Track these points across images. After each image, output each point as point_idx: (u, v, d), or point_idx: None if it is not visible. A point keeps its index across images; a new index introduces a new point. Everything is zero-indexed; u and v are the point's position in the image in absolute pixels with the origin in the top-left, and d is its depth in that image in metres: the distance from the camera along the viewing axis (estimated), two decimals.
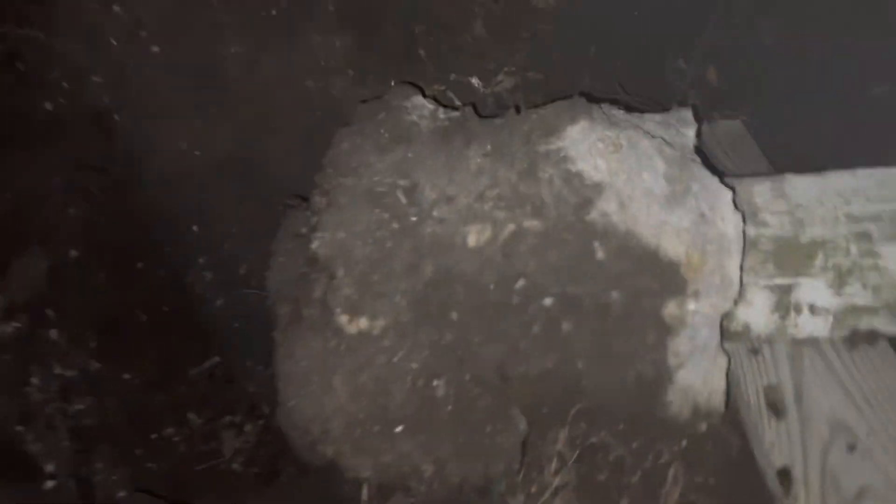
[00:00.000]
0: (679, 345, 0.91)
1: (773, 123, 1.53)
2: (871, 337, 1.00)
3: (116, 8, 1.28)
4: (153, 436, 1.30)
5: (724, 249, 0.84)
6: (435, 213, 0.89)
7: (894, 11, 1.24)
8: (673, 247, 0.85)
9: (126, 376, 1.31)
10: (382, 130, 0.97)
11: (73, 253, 1.36)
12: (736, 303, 0.90)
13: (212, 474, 1.33)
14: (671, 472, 1.06)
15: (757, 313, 1.02)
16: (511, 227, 0.87)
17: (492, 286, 0.90)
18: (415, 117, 1.00)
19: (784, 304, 1.01)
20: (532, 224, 0.86)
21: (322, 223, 0.89)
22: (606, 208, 0.85)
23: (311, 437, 0.95)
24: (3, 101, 1.27)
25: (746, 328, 1.04)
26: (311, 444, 0.96)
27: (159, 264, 1.47)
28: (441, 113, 1.02)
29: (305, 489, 1.40)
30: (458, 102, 1.19)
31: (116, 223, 1.38)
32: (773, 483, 0.93)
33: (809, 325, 1.03)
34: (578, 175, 0.87)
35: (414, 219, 0.88)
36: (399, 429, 0.91)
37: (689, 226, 0.86)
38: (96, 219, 1.36)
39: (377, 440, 0.92)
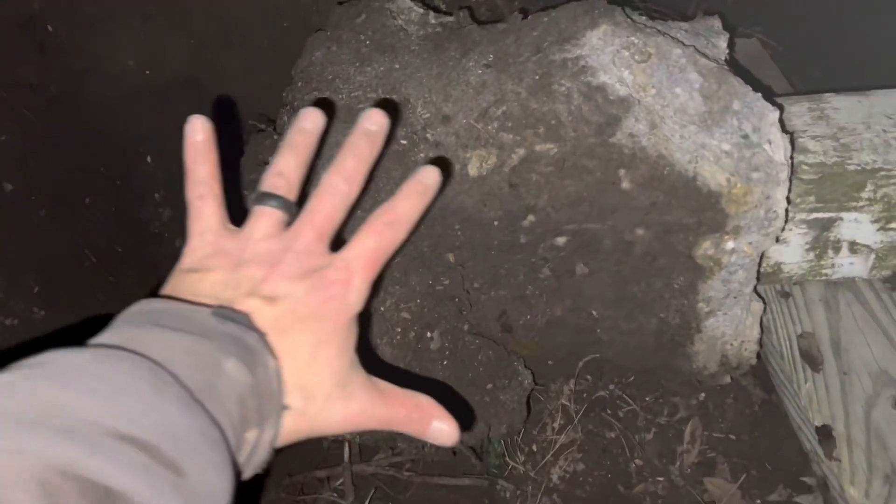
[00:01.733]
0: (711, 290, 0.78)
1: (791, 42, 1.40)
2: None
3: None
4: None
5: (771, 178, 0.71)
6: (428, 136, 0.74)
7: None
8: (713, 174, 0.71)
9: (73, 324, 1.17)
10: (363, 37, 0.81)
11: (8, 186, 1.19)
12: (777, 240, 0.77)
13: None
14: (688, 429, 0.95)
15: (791, 252, 0.91)
16: (520, 151, 0.72)
17: (496, 223, 0.76)
18: (401, 22, 0.84)
19: (822, 241, 0.89)
20: (545, 148, 0.72)
21: None
22: (634, 129, 0.71)
23: None
24: None
25: (777, 268, 0.92)
26: None
27: (109, 199, 1.30)
28: (432, 18, 0.86)
29: (286, 449, 1.26)
30: (444, 7, 1.03)
31: (56, 151, 1.21)
32: (811, 442, 0.82)
33: (847, 265, 0.92)
34: (601, 89, 0.72)
35: (404, 142, 0.73)
36: None
37: (730, 149, 0.72)
38: (32, 146, 1.19)
39: None
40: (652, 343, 0.83)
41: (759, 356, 0.84)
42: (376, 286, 0.54)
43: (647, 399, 0.98)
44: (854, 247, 0.90)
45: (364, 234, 0.48)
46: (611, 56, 0.74)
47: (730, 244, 0.75)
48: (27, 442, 0.30)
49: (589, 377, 1.00)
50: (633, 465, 0.94)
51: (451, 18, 0.87)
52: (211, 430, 0.36)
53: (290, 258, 0.46)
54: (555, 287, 0.81)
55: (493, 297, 0.82)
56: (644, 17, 0.84)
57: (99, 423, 0.32)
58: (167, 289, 0.47)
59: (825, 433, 0.80)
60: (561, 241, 0.77)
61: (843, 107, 0.92)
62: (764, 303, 0.82)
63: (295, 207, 0.49)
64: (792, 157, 0.75)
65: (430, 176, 0.50)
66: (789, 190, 0.74)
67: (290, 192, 0.50)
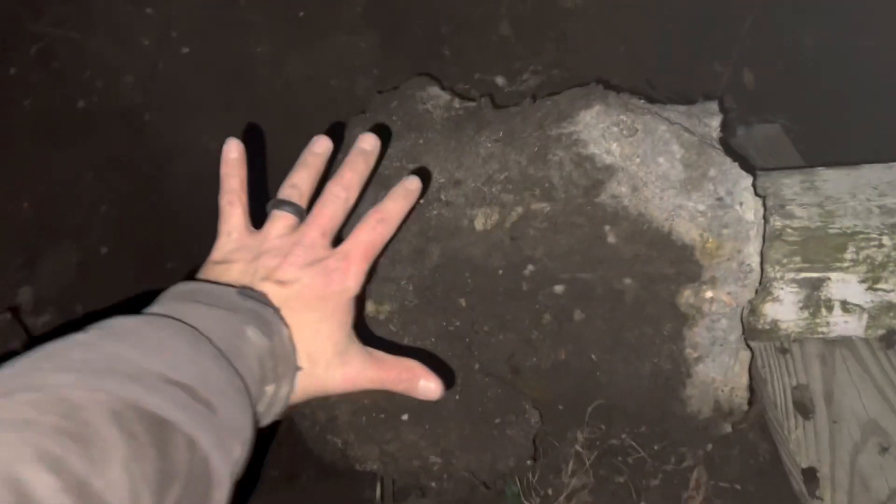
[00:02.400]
0: (697, 336, 0.87)
1: (813, 128, 1.48)
2: None
3: (149, 10, 1.32)
4: None
5: (741, 234, 0.81)
6: (442, 197, 0.87)
7: None
8: (687, 231, 0.81)
9: (124, 300, 1.33)
10: (395, 118, 0.97)
11: (104, 249, 1.39)
12: (757, 293, 0.86)
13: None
14: (694, 476, 1.01)
15: (786, 310, 0.98)
16: (519, 209, 0.85)
17: (500, 272, 0.87)
18: (429, 106, 0.99)
19: (814, 300, 0.96)
20: (540, 206, 0.84)
21: None
22: (617, 191, 0.83)
23: (319, 424, 0.93)
24: (39, 100, 1.31)
25: (775, 325, 0.99)
26: (320, 433, 0.95)
27: (188, 263, 1.48)
28: (456, 103, 1.01)
29: (325, 492, 1.37)
30: (476, 94, 1.18)
31: (146, 220, 1.40)
32: (797, 483, 0.87)
33: (842, 324, 0.98)
34: (590, 158, 0.84)
35: (421, 202, 0.87)
36: (405, 417, 0.89)
37: (704, 209, 0.82)
38: (126, 216, 1.39)
39: (382, 428, 0.90)
40: (648, 386, 0.91)
41: (750, 403, 0.91)
42: (370, 274, 0.65)
43: (656, 447, 1.04)
44: (846, 306, 0.96)
45: (360, 230, 0.61)
46: (601, 131, 0.87)
47: (709, 293, 0.84)
48: (102, 383, 0.40)
49: (602, 426, 1.08)
50: None
51: (473, 104, 1.02)
52: (236, 380, 0.47)
53: (299, 251, 0.58)
54: (556, 332, 0.91)
55: (501, 340, 0.93)
56: (643, 101, 0.96)
57: (152, 370, 0.43)
58: (200, 273, 0.60)
59: (810, 475, 0.85)
60: (559, 289, 0.88)
61: (832, 178, 1.00)
62: (753, 353, 0.89)
63: (305, 212, 0.63)
64: (765, 218, 0.84)
65: (413, 182, 0.66)
66: (763, 246, 0.83)
67: (302, 200, 0.63)
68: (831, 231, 0.93)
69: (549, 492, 1.05)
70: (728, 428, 0.97)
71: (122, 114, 1.34)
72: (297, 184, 0.64)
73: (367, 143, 0.66)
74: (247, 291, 0.55)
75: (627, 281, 0.86)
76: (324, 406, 0.91)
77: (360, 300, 0.64)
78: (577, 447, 1.06)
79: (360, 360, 0.59)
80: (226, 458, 0.44)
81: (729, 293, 0.84)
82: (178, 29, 1.33)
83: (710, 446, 1.04)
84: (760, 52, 1.48)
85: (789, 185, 1.01)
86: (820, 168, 1.03)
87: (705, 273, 0.82)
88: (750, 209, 0.82)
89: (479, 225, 0.86)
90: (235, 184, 0.65)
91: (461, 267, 0.87)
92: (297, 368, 0.56)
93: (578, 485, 1.04)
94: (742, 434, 1.04)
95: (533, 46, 1.34)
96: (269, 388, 0.52)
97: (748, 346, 0.90)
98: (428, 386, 0.62)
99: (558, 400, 0.98)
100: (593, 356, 0.92)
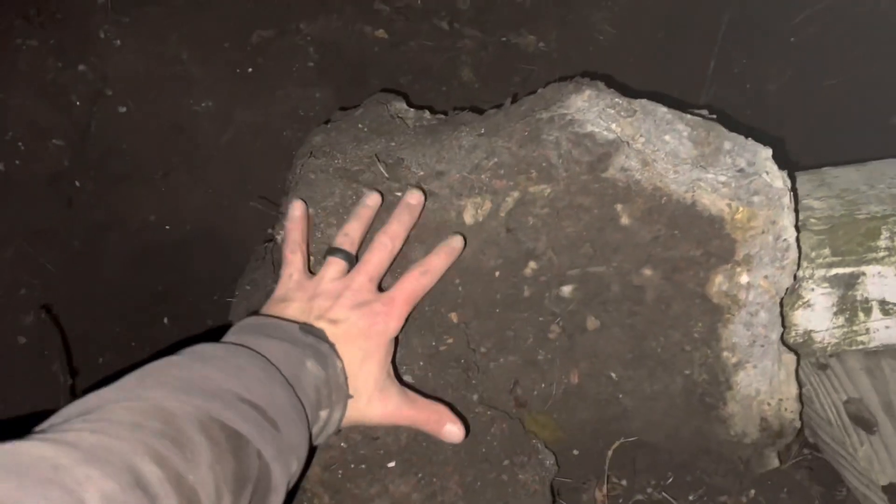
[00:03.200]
0: (734, 334, 0.73)
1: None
2: None
3: (81, 67, 1.21)
4: None
5: (773, 202, 0.69)
6: (423, 187, 0.74)
7: None
8: (712, 201, 0.70)
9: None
10: (360, 125, 0.85)
11: (21, 340, 1.19)
12: (796, 279, 0.73)
13: None
14: None
15: (818, 317, 0.85)
16: (514, 195, 0.72)
17: (497, 273, 0.74)
18: (397, 116, 0.88)
19: (849, 301, 0.85)
20: (539, 189, 0.72)
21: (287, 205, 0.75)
22: (626, 164, 0.71)
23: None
24: None
25: (808, 338, 0.86)
26: None
27: (123, 357, 1.30)
28: (427, 115, 0.91)
29: None
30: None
31: (74, 306, 1.23)
32: (879, 502, 0.71)
33: (883, 330, 0.86)
34: (589, 136, 0.73)
35: (398, 194, 0.74)
36: (391, 464, 0.71)
37: (727, 180, 0.71)
38: (51, 298, 1.21)
39: (363, 482, 0.71)
40: (681, 406, 0.76)
41: (802, 419, 0.76)
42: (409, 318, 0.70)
43: (691, 498, 0.87)
44: (886, 307, 0.85)
45: (405, 279, 0.68)
46: (596, 113, 0.76)
47: (744, 277, 0.71)
48: (191, 398, 0.47)
49: (624, 482, 0.90)
50: None
51: (445, 116, 0.91)
52: (297, 404, 0.55)
53: (349, 294, 0.65)
54: (567, 347, 0.76)
55: (502, 364, 0.77)
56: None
57: (231, 390, 0.50)
58: (265, 308, 0.67)
59: (894, 491, 0.69)
60: (567, 290, 0.74)
61: (842, 175, 0.92)
62: (798, 356, 0.76)
63: (355, 259, 0.69)
64: (795, 190, 0.73)
65: (457, 241, 0.71)
66: (796, 220, 0.72)
67: (352, 248, 0.70)
68: (860, 217, 0.83)
69: None
70: (775, 461, 0.81)
71: (50, 180, 1.20)
72: (349, 233, 0.70)
73: (414, 199, 0.72)
74: (307, 327, 0.63)
75: (647, 272, 0.73)
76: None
77: (397, 342, 0.69)
78: None
79: (397, 398, 0.65)
80: (284, 470, 0.51)
81: (766, 277, 0.72)
82: (113, 87, 1.22)
83: (752, 491, 0.87)
84: (726, 105, 1.44)
85: (799, 183, 0.92)
86: (825, 168, 0.95)
87: (739, 250, 0.70)
88: (777, 178, 0.72)
89: (468, 217, 0.73)
90: (298, 236, 0.71)
91: (449, 272, 0.73)
92: (349, 396, 0.63)
93: None
94: (786, 475, 0.88)
95: (497, 91, 1.27)
96: (324, 413, 0.60)
97: (790, 348, 0.77)
98: (452, 430, 0.66)
99: (572, 441, 0.82)
100: (613, 374, 0.77)
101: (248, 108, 1.25)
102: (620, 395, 0.77)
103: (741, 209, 0.69)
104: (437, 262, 0.69)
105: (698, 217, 0.69)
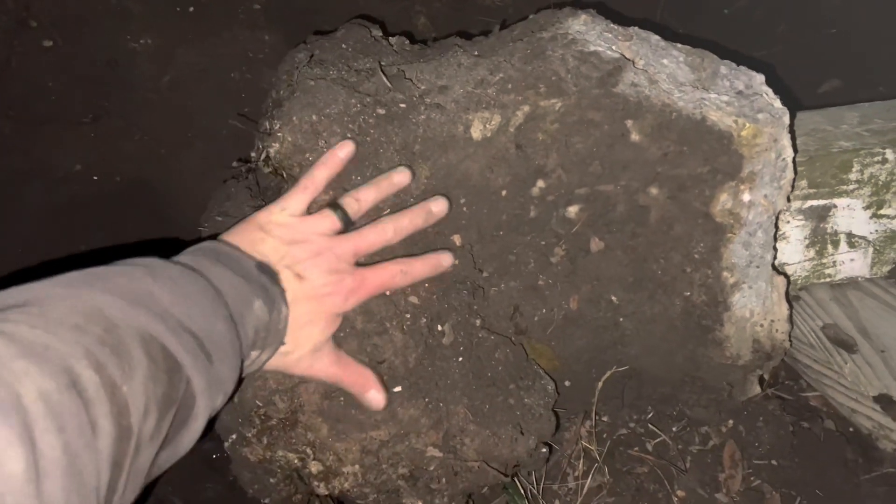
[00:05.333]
0: (734, 254, 0.74)
1: None
2: None
3: None
4: None
5: (777, 119, 0.71)
6: (427, 100, 0.71)
7: None
8: (720, 118, 0.70)
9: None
10: (344, 46, 0.81)
11: None
12: (790, 200, 0.75)
13: None
14: (727, 453, 0.85)
15: (792, 249, 0.88)
16: (525, 108, 0.70)
17: (504, 192, 0.71)
18: (381, 39, 0.84)
19: (820, 234, 0.88)
20: (550, 103, 0.70)
21: (284, 114, 0.69)
22: (636, 80, 0.71)
23: (274, 415, 0.69)
24: None
25: (782, 270, 0.89)
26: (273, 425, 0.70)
27: None
28: (407, 44, 0.87)
29: None
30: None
31: None
32: (872, 418, 0.74)
33: (848, 262, 0.90)
34: (595, 54, 0.72)
35: (403, 105, 0.70)
36: (398, 388, 0.67)
37: (729, 100, 0.72)
38: None
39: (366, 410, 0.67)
40: (680, 329, 0.76)
41: (791, 339, 0.78)
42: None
43: (674, 429, 0.88)
44: (852, 239, 0.89)
45: (383, 268, 0.65)
46: (596, 35, 0.76)
47: (746, 196, 0.72)
48: (137, 312, 0.47)
49: (606, 418, 0.90)
50: (676, 499, 0.81)
51: (425, 45, 0.88)
52: (235, 341, 0.54)
53: (329, 256, 0.63)
54: (569, 271, 0.75)
55: (503, 290, 0.75)
56: None
57: (175, 315, 0.49)
58: (239, 227, 0.64)
59: (886, 400, 0.72)
60: (573, 210, 0.73)
61: (805, 118, 0.95)
62: (788, 278, 0.78)
63: (352, 223, 0.66)
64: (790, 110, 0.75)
65: (447, 259, 0.69)
66: (794, 141, 0.73)
67: (356, 215, 0.66)
68: (833, 151, 0.86)
69: (557, 503, 0.85)
70: (757, 387, 0.83)
71: None
72: (360, 199, 0.66)
73: (437, 207, 0.68)
74: (264, 267, 0.61)
75: (654, 191, 0.72)
76: (282, 387, 0.67)
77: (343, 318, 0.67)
78: (584, 443, 0.87)
79: (328, 359, 0.64)
80: (208, 403, 0.51)
81: (766, 196, 0.73)
82: (37, 18, 1.11)
83: (731, 422, 0.89)
84: None
85: None
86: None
87: (745, 166, 0.71)
88: (776, 98, 0.73)
89: (476, 132, 0.70)
90: (322, 176, 0.66)
91: (455, 191, 0.70)
92: (281, 344, 0.62)
93: (594, 485, 0.84)
94: (761, 406, 0.91)
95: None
96: (254, 353, 0.59)
97: (780, 271, 0.78)
98: (376, 396, 0.65)
99: (566, 371, 0.80)
100: (614, 298, 0.76)
101: (192, 47, 1.16)
102: (621, 319, 0.76)
103: (748, 125, 0.70)
104: (421, 269, 0.67)
105: (708, 132, 0.70)
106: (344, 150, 0.67)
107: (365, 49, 0.80)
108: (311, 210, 0.67)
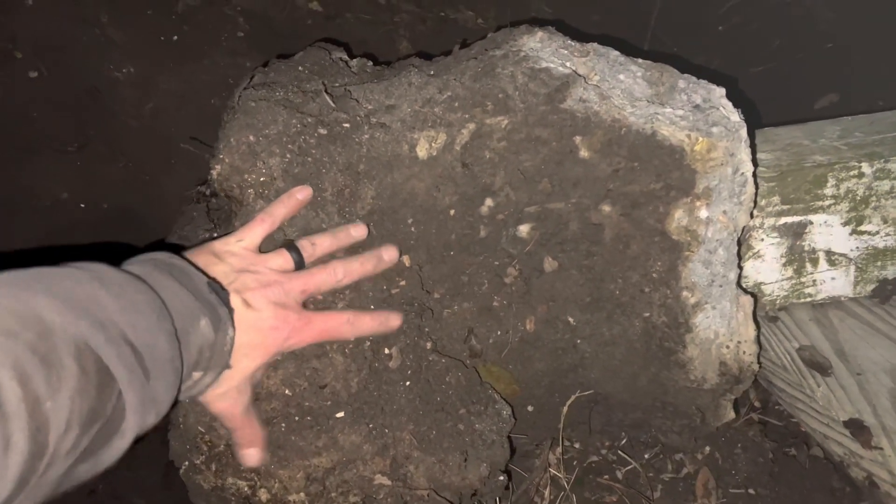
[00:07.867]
0: (693, 273, 0.71)
1: None
2: None
3: None
4: None
5: (732, 133, 0.68)
6: (373, 120, 0.70)
7: None
8: (671, 133, 0.68)
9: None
10: (301, 68, 0.80)
11: None
12: (752, 216, 0.73)
13: None
14: (700, 482, 0.81)
15: (768, 268, 0.85)
16: (470, 126, 0.69)
17: (452, 212, 0.70)
18: (340, 61, 0.84)
19: (797, 252, 0.85)
20: (496, 121, 0.69)
21: (224, 136, 0.69)
22: (584, 96, 0.69)
23: (219, 442, 0.67)
24: None
25: (759, 290, 0.86)
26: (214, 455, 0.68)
27: None
28: (370, 64, 0.86)
29: None
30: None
31: None
32: (843, 444, 0.70)
33: (829, 281, 0.86)
34: (545, 70, 0.71)
35: (346, 125, 0.69)
36: (340, 414, 0.66)
37: (684, 114, 0.70)
38: None
39: (310, 434, 0.65)
40: (640, 351, 0.74)
41: (759, 362, 0.75)
42: None
43: (647, 456, 0.85)
44: (831, 257, 0.85)
45: (330, 316, 0.65)
46: (551, 52, 0.74)
47: (703, 212, 0.69)
48: (77, 318, 0.45)
49: (577, 444, 0.87)
50: None
51: (387, 66, 0.87)
52: (177, 360, 0.53)
53: (278, 289, 0.62)
54: (524, 292, 0.73)
55: (456, 312, 0.73)
56: None
57: (118, 325, 0.48)
58: (194, 251, 0.63)
59: (856, 425, 0.68)
60: (524, 229, 0.71)
61: (784, 132, 0.93)
62: (755, 298, 0.75)
63: (304, 267, 0.65)
64: (750, 124, 0.73)
65: (394, 319, 0.68)
66: (753, 156, 0.71)
67: (310, 258, 0.66)
68: (807, 165, 0.83)
69: None
70: (731, 412, 0.80)
71: None
72: (316, 244, 0.67)
73: (388, 254, 0.69)
74: (214, 285, 0.59)
75: (606, 209, 0.70)
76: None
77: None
78: (552, 471, 0.84)
79: (241, 405, 0.63)
80: (138, 421, 0.49)
81: (725, 212, 0.70)
82: (23, 49, 1.13)
83: (707, 448, 0.86)
84: None
85: None
86: (766, 128, 0.96)
87: (699, 182, 0.68)
88: (734, 112, 0.71)
89: (421, 151, 0.69)
90: (280, 213, 0.67)
91: (402, 210, 0.69)
92: (227, 367, 0.60)
93: None
94: (740, 432, 0.87)
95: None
96: (197, 375, 0.58)
97: (747, 291, 0.76)
98: (252, 454, 0.64)
99: (527, 396, 0.78)
100: (570, 319, 0.74)
101: (173, 75, 1.17)
102: (578, 341, 0.74)
103: (701, 140, 0.68)
104: (368, 324, 0.66)
105: (658, 147, 0.68)
106: (302, 193, 0.67)
107: (321, 71, 0.80)
108: (265, 247, 0.67)
